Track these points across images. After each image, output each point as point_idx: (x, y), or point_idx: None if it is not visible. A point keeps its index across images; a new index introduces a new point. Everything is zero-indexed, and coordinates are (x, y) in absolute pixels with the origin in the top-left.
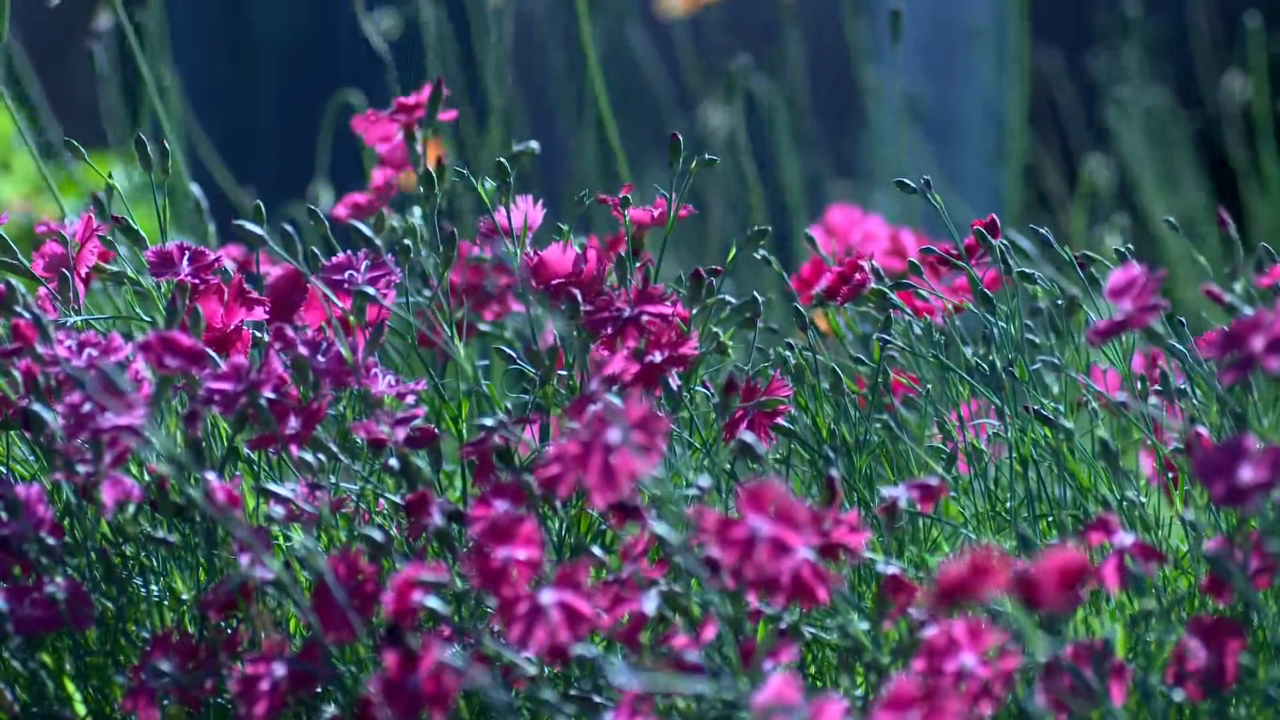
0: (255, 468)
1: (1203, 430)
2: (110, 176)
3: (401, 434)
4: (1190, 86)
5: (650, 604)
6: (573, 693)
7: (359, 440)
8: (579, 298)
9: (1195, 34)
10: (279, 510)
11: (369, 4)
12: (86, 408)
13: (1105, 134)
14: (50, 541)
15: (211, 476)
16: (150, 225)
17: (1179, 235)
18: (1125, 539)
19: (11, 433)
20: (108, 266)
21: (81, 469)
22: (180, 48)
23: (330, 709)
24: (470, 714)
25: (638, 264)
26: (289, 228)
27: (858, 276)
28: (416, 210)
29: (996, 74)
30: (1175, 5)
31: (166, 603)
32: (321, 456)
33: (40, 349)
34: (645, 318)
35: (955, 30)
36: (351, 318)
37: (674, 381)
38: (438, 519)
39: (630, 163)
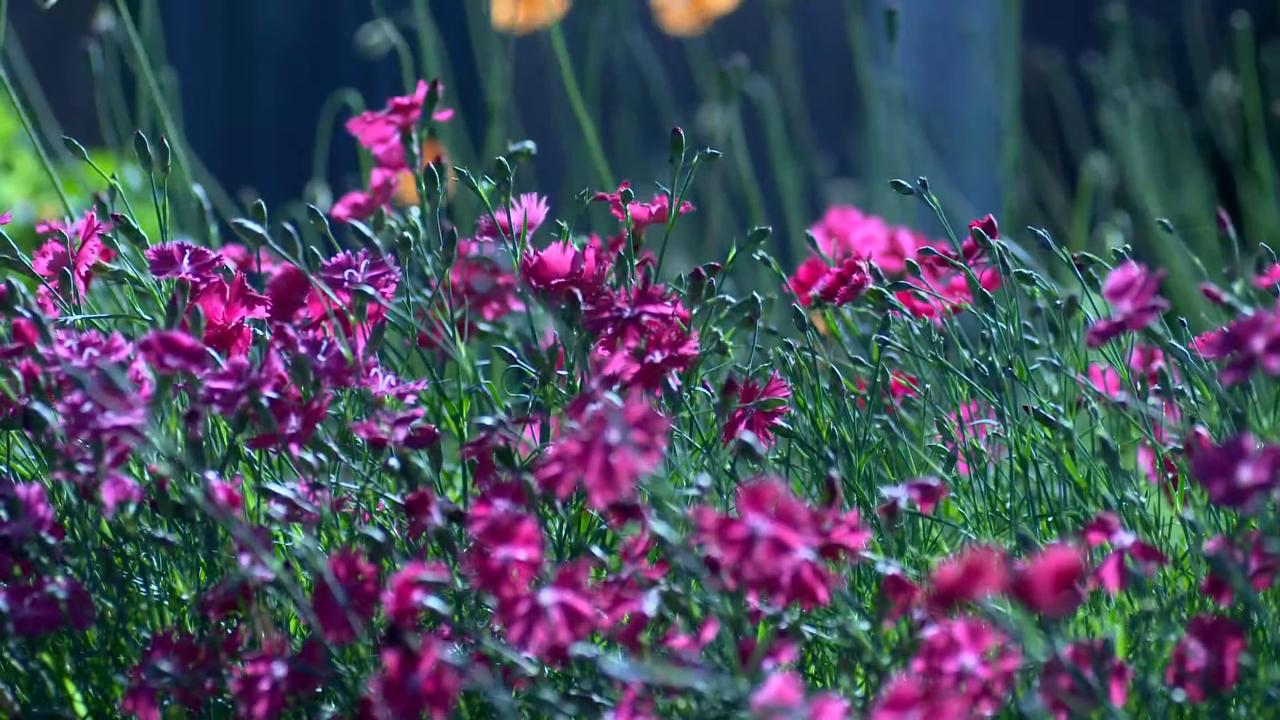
0: (256, 467)
1: (1202, 430)
2: (113, 177)
3: (401, 434)
4: (1189, 87)
5: (650, 604)
6: (573, 693)
7: (359, 440)
8: (579, 297)
9: (1191, 35)
10: (279, 510)
11: (368, 8)
12: (87, 407)
13: (1105, 135)
14: (50, 541)
15: (212, 476)
16: (153, 226)
17: (1175, 235)
18: (1125, 539)
19: (12, 432)
20: (108, 265)
21: (82, 469)
22: (180, 48)
23: (330, 709)
24: (470, 714)
25: (638, 262)
26: (289, 227)
27: (855, 277)
28: (415, 210)
29: (995, 75)
30: (1175, 6)
31: (166, 603)
32: (322, 456)
33: (41, 348)
34: (645, 318)
35: (953, 31)
36: (351, 316)
37: (674, 381)
38: (438, 519)
39: (631, 163)
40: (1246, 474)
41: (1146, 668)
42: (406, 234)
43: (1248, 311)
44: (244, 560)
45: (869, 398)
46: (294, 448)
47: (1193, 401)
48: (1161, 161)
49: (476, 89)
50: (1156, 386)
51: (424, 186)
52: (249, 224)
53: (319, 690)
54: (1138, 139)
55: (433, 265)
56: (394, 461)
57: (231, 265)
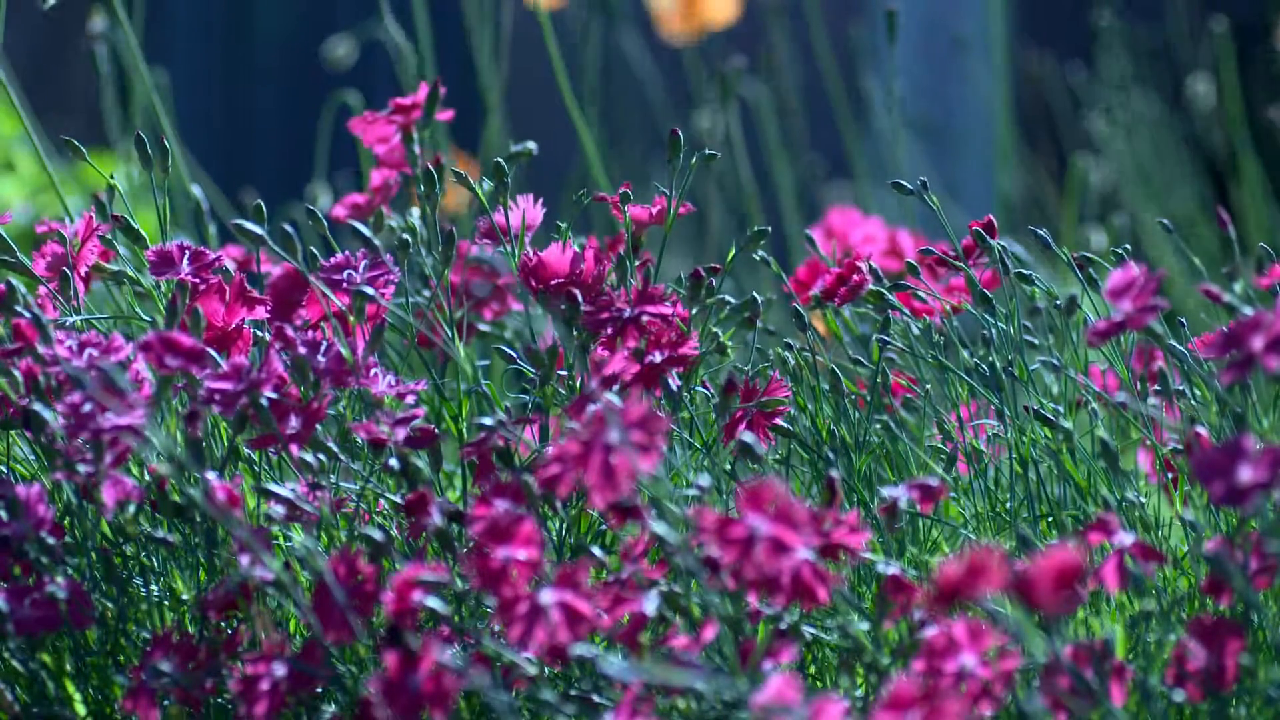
0: (255, 468)
1: (1202, 430)
2: (112, 177)
3: (401, 434)
4: (1179, 91)
5: (650, 604)
6: (573, 693)
7: (359, 440)
8: (579, 298)
9: (1178, 38)
10: (279, 510)
11: (367, 8)
12: (87, 408)
13: (1098, 137)
14: (50, 541)
15: (212, 476)
16: (152, 226)
17: (1172, 236)
18: (1125, 539)
19: (12, 433)
20: (108, 266)
21: (82, 469)
22: (180, 48)
23: (330, 709)
24: (470, 714)
25: (637, 263)
26: (289, 227)
27: (856, 277)
28: (415, 210)
29: (992, 77)
30: (1165, 8)
31: (166, 603)
32: (322, 456)
33: (41, 349)
34: (645, 318)
35: (951, 33)
36: (351, 317)
37: (674, 381)
38: (438, 519)
39: (629, 165)
40: (1246, 474)
41: (1146, 668)
42: (405, 235)
43: (1248, 311)
44: (244, 560)
45: (869, 398)
46: (294, 448)
47: (1193, 401)
48: (1154, 164)
49: (474, 89)
50: (1156, 386)
51: (423, 187)
52: (248, 224)
53: (319, 690)
54: (1129, 142)
55: (432, 266)
56: (394, 461)
57: (231, 266)
